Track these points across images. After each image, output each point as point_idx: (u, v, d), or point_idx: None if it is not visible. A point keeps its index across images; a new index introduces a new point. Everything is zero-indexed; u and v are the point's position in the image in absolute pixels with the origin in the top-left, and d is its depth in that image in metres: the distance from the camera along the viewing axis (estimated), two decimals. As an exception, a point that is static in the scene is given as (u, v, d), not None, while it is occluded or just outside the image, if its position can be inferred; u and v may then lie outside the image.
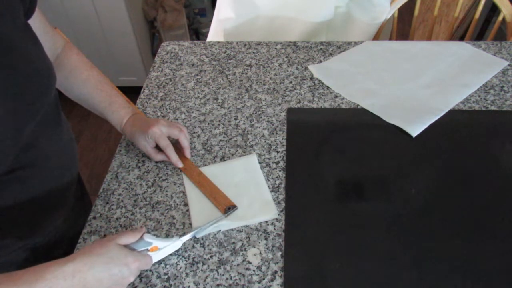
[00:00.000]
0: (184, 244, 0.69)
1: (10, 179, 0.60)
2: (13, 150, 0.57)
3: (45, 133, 0.64)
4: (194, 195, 0.76)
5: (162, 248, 0.64)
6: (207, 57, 1.10)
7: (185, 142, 0.81)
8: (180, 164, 0.80)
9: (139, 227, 0.71)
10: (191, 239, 0.70)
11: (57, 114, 0.69)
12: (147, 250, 0.62)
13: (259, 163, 0.82)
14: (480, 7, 1.30)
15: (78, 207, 0.82)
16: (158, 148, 0.81)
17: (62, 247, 0.79)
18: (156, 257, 0.64)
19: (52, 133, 0.67)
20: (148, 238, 0.62)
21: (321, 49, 1.10)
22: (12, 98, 0.56)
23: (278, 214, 0.72)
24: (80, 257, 0.53)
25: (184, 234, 0.68)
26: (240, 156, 0.83)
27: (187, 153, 0.82)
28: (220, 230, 0.71)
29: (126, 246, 0.59)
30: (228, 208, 0.73)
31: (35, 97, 0.60)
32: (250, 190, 0.76)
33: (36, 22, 0.65)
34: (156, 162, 0.83)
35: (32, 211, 0.67)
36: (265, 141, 0.86)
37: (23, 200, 0.63)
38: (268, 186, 0.77)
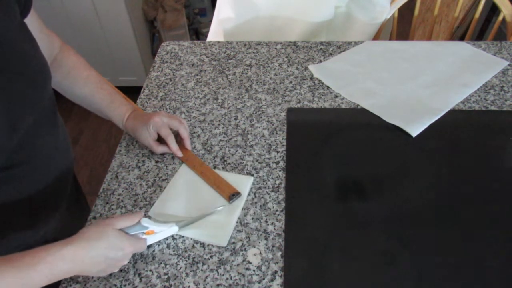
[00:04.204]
0: (184, 244, 0.69)
1: (4, 177, 0.60)
2: (7, 148, 0.58)
3: (41, 132, 0.65)
4: (178, 187, 0.77)
5: (158, 232, 0.66)
6: (207, 57, 1.10)
7: (185, 133, 0.82)
8: (179, 154, 0.82)
9: (137, 211, 0.73)
10: (191, 238, 0.70)
11: (53, 114, 0.69)
12: (143, 233, 0.64)
13: (259, 163, 0.82)
14: (480, 7, 1.30)
15: (73, 209, 0.82)
16: (159, 141, 0.82)
17: None
18: (151, 240, 0.66)
19: (48, 132, 0.67)
20: (145, 222, 0.64)
21: (321, 49, 1.10)
22: (7, 95, 0.56)
23: (232, 241, 0.70)
24: (79, 241, 0.55)
25: (180, 221, 0.69)
26: (241, 154, 0.83)
27: (187, 144, 0.83)
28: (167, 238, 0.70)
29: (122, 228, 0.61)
30: (232, 195, 0.74)
31: (30, 95, 0.61)
32: (222, 210, 0.73)
33: (32, 22, 0.66)
34: (156, 162, 0.83)
35: (27, 209, 0.67)
36: (265, 141, 0.86)
37: (18, 198, 0.64)
38: (268, 187, 0.78)
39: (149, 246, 0.68)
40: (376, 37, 1.35)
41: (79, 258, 0.55)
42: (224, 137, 0.88)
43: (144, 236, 0.64)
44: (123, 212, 0.75)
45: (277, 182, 0.78)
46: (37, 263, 0.51)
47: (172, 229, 0.68)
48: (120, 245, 0.59)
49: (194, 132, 0.89)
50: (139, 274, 0.66)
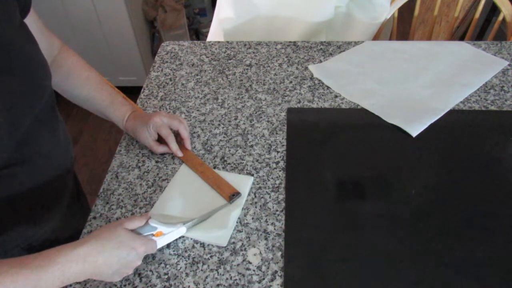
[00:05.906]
0: (184, 244, 0.69)
1: (5, 175, 0.60)
2: (8, 146, 0.58)
3: (41, 131, 0.65)
4: (178, 187, 0.77)
5: (167, 233, 0.66)
6: (207, 57, 1.10)
7: (185, 133, 0.82)
8: (179, 154, 0.82)
9: (143, 213, 0.73)
10: (191, 238, 0.70)
11: (53, 113, 0.70)
12: (152, 234, 0.64)
13: (259, 163, 0.82)
14: (480, 7, 1.30)
15: (73, 207, 0.82)
16: (159, 141, 0.82)
17: None
18: (160, 242, 0.65)
19: (48, 131, 0.67)
20: (153, 223, 0.64)
21: (321, 49, 1.10)
22: (8, 95, 0.56)
23: (232, 242, 0.69)
24: (90, 241, 0.55)
25: (187, 221, 0.69)
26: (241, 154, 0.83)
27: (187, 144, 0.83)
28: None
29: (132, 230, 0.61)
30: (232, 195, 0.74)
31: (31, 94, 0.61)
32: (222, 210, 0.73)
33: (32, 22, 0.66)
34: (156, 162, 0.83)
35: (27, 207, 0.67)
36: (265, 141, 0.86)
37: (18, 196, 0.64)
38: (268, 187, 0.77)
39: (158, 250, 0.68)
40: (376, 37, 1.35)
41: (91, 259, 0.54)
42: (224, 137, 0.88)
43: (154, 238, 0.64)
44: (123, 212, 0.75)
45: (277, 182, 0.78)
46: (49, 264, 0.51)
47: (180, 230, 0.67)
48: (132, 244, 0.58)
49: (194, 132, 0.89)
50: (139, 274, 0.66)
